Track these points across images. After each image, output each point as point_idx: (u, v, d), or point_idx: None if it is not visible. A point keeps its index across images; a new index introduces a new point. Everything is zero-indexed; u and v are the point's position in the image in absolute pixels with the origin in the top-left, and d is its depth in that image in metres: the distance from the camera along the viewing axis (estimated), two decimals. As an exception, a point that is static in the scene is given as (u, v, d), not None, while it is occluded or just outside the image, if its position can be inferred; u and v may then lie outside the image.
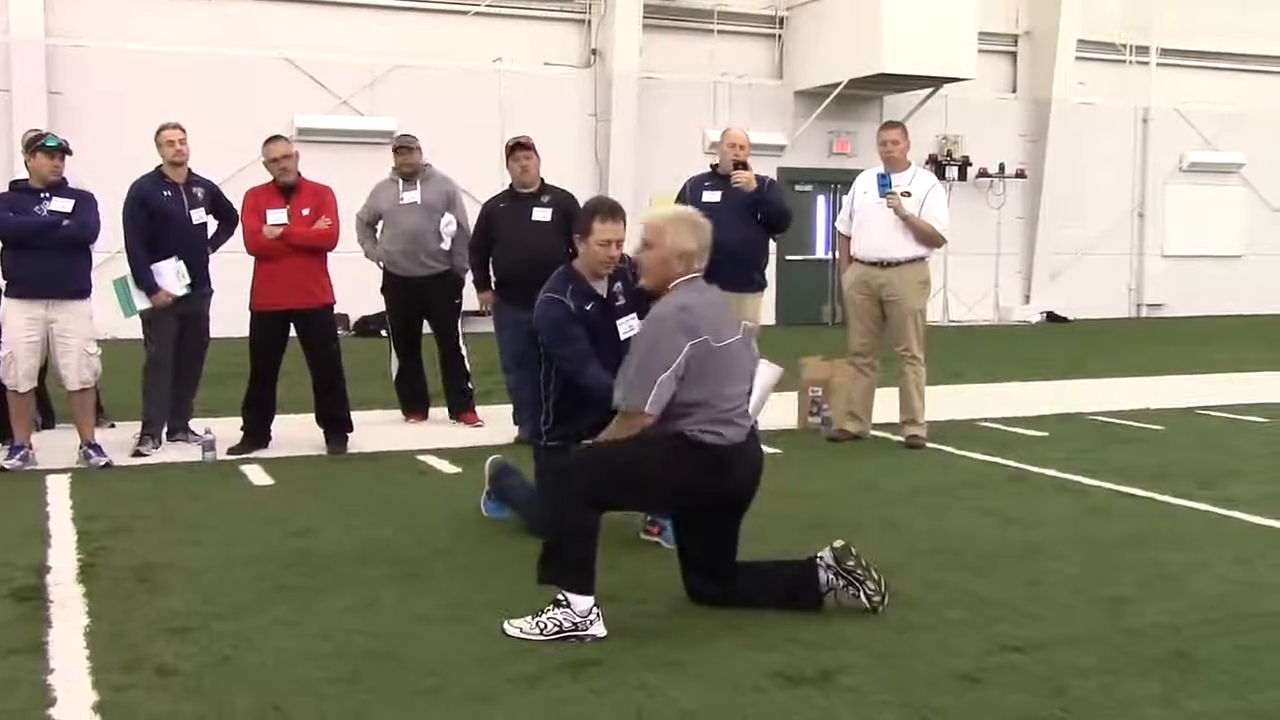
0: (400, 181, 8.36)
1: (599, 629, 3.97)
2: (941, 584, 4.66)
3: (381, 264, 8.54)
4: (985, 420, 8.76)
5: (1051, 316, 20.09)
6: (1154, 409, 9.34)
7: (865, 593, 4.23)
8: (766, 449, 4.61)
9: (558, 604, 3.98)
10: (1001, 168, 19.91)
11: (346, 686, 3.60)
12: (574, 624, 3.95)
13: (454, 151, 15.88)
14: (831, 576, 4.23)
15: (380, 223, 8.51)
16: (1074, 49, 20.07)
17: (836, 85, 18.07)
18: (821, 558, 4.26)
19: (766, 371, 4.38)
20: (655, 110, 17.62)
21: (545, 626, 3.95)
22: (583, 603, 3.96)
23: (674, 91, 17.81)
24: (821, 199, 19.30)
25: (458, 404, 8.56)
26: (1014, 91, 20.51)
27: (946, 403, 8.79)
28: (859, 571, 4.24)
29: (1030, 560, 5.03)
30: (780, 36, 18.98)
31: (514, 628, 4.00)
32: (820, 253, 19.19)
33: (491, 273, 7.70)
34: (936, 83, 18.20)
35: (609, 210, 5.05)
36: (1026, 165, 20.22)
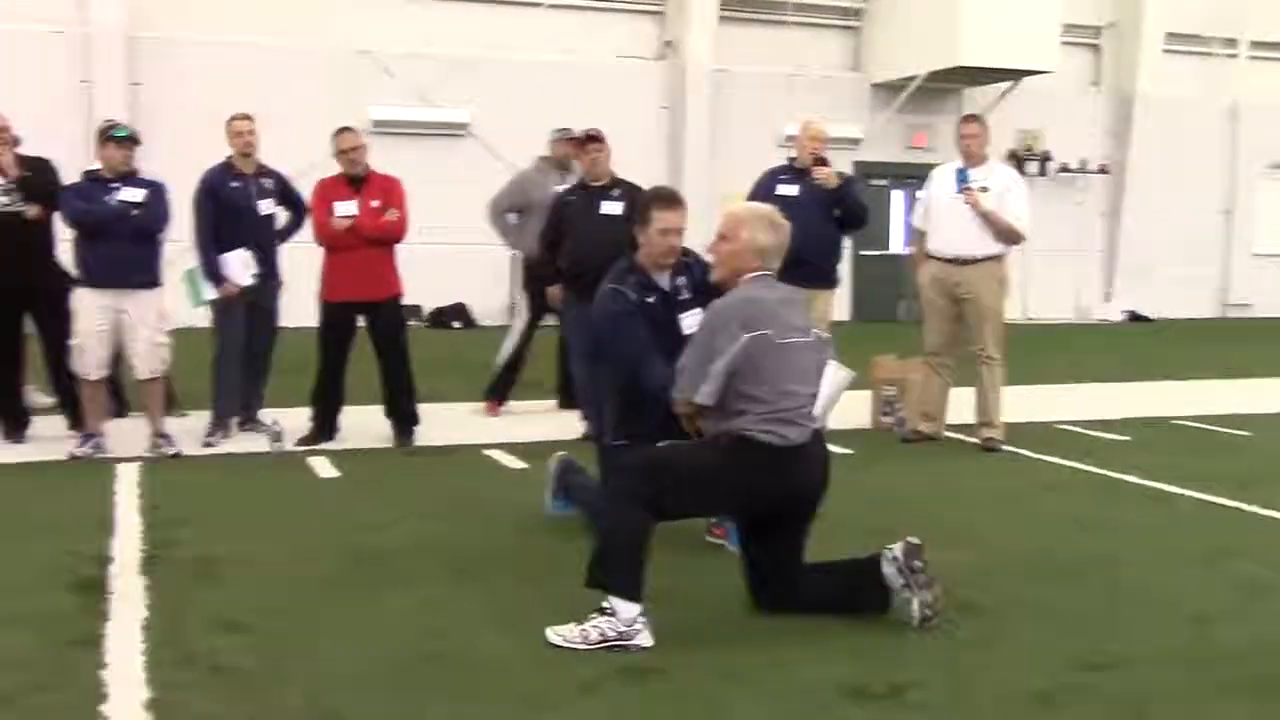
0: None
1: (645, 639, 3.85)
2: (1018, 595, 4.49)
3: (522, 255, 8.39)
4: (1065, 423, 8.51)
5: (1134, 316, 19.62)
6: (1242, 414, 9.02)
7: (919, 600, 4.05)
8: (838, 449, 4.49)
9: (603, 612, 3.87)
10: (1083, 163, 19.46)
11: (402, 689, 3.54)
12: (619, 633, 3.83)
13: (526, 143, 15.94)
14: (894, 572, 4.07)
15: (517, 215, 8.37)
16: (1161, 41, 19.56)
17: (914, 78, 17.77)
18: (890, 550, 4.10)
19: (836, 374, 4.25)
20: (729, 103, 17.44)
21: (589, 635, 3.85)
22: (629, 610, 3.85)
23: (748, 84, 17.60)
24: (898, 194, 18.99)
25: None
26: (1097, 85, 20.04)
27: (1024, 404, 8.54)
28: (920, 577, 4.07)
29: (1111, 572, 4.84)
30: (857, 28, 18.72)
31: (558, 635, 3.89)
32: (896, 249, 18.89)
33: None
34: (1017, 75, 17.83)
35: (667, 199, 4.93)
36: (1109, 161, 19.75)
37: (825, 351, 4.32)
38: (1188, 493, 6.31)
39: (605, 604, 3.87)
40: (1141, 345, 15.36)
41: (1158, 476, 6.66)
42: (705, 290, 4.73)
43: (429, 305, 15.95)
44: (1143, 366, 12.43)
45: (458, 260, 15.49)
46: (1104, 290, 20.11)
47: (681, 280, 4.96)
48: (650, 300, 4.91)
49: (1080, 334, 17.28)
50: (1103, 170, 19.71)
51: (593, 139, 7.36)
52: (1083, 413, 8.90)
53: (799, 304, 4.45)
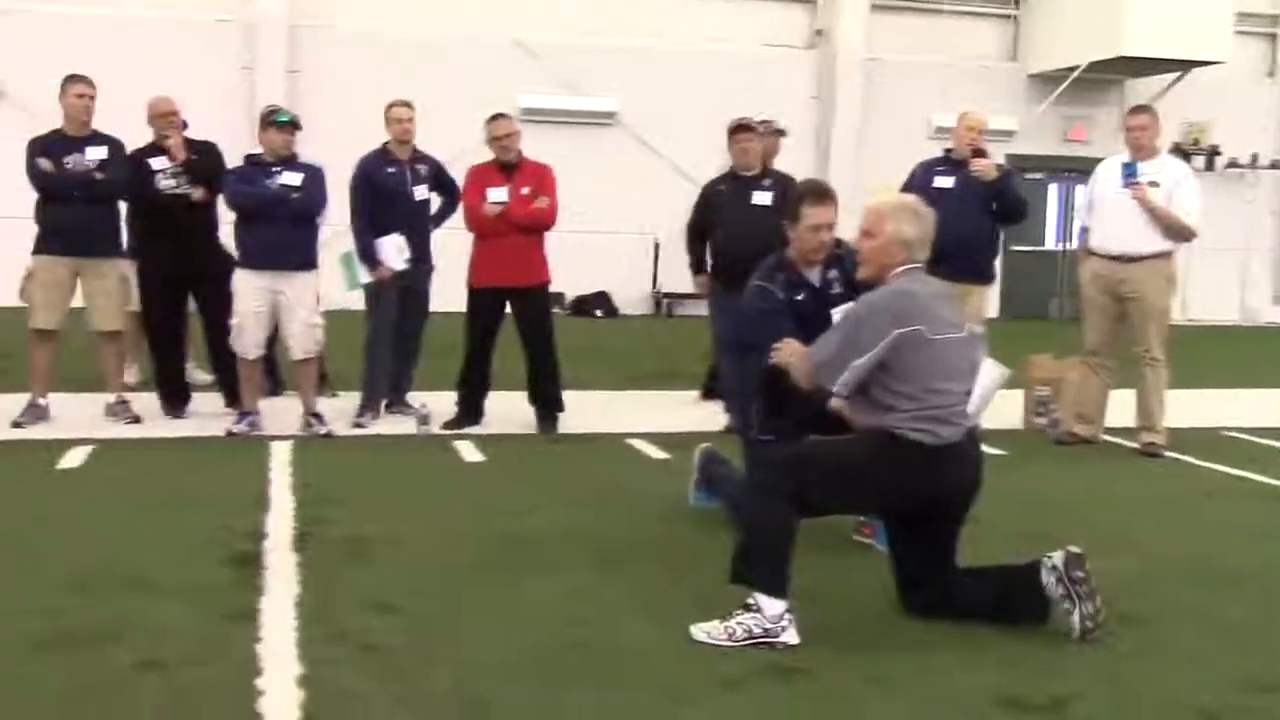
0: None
1: (791, 636, 3.77)
2: (1182, 608, 4.28)
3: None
4: (1230, 429, 8.13)
5: (1306, 320, 18.72)
6: None
7: (1081, 612, 3.87)
8: (990, 449, 4.34)
9: (747, 608, 3.81)
10: (1254, 158, 18.60)
11: (546, 676, 3.53)
12: (764, 630, 3.77)
13: (673, 132, 15.92)
14: (1053, 582, 3.91)
15: None
16: (1343, 30, 18.59)
17: (1074, 69, 17.19)
18: (1050, 558, 3.94)
19: (991, 372, 4.10)
20: (879, 93, 17.12)
21: (734, 632, 3.79)
22: (774, 607, 3.78)
23: (900, 74, 17.23)
24: (1053, 188, 18.43)
25: None
26: (1272, 75, 19.11)
27: (1187, 409, 8.17)
28: (1082, 588, 3.89)
29: (1278, 584, 4.58)
30: (1015, 16, 18.19)
31: (702, 632, 3.84)
32: (1048, 244, 18.35)
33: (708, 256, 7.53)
34: (1185, 66, 17.10)
35: (819, 194, 4.82)
36: (1283, 155, 18.83)
37: (978, 348, 4.18)
38: (1367, 506, 5.96)
39: (750, 600, 3.80)
40: (1312, 350, 14.63)
41: (1333, 488, 6.32)
42: (858, 282, 4.62)
43: (571, 293, 16.03)
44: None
45: (601, 249, 15.58)
46: (1274, 292, 19.20)
47: (833, 274, 4.85)
48: (799, 298, 4.82)
49: (1247, 337, 16.53)
50: (1275, 165, 18.80)
51: (744, 128, 7.27)
52: (1250, 419, 8.49)
53: (951, 299, 4.32)
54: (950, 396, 3.96)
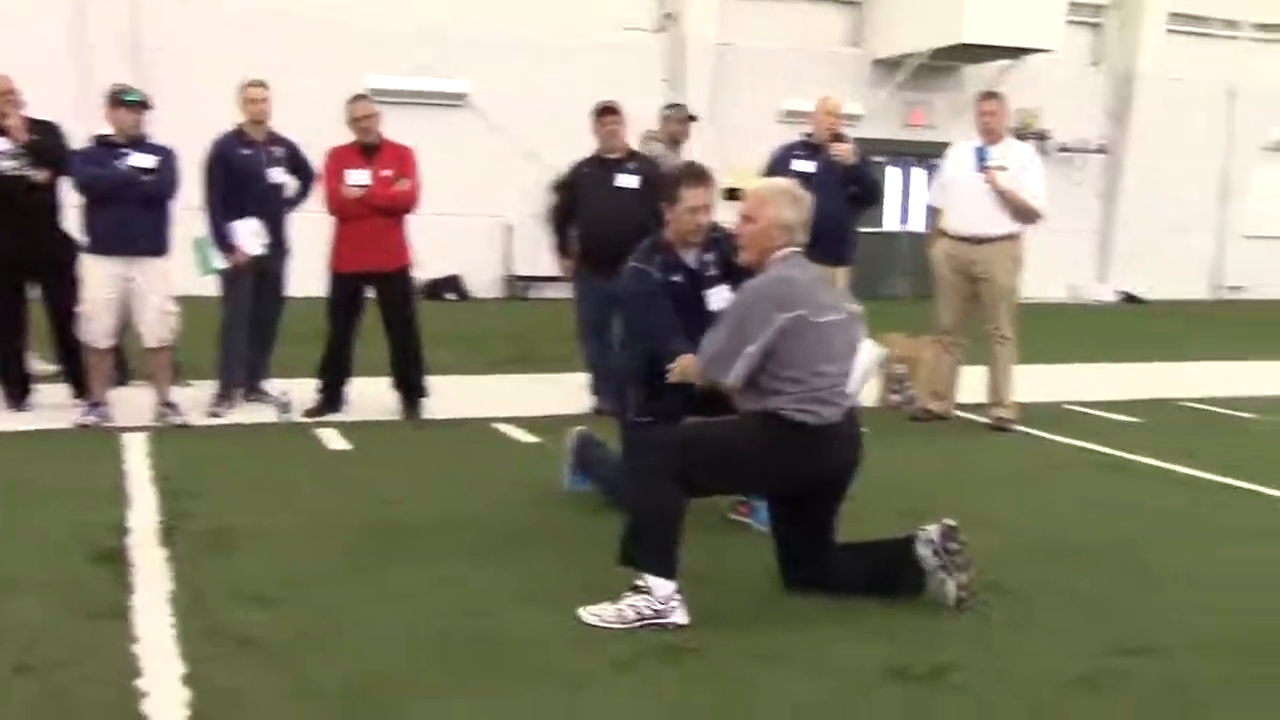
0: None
1: (680, 616, 3.82)
2: (1044, 579, 4.46)
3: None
4: (1072, 404, 8.50)
5: (1128, 297, 19.62)
6: (1243, 396, 9.01)
7: (956, 582, 4.02)
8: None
9: (637, 589, 3.84)
10: (1082, 143, 19.40)
11: (432, 665, 3.49)
12: (655, 611, 3.80)
13: (525, 115, 15.81)
14: (929, 554, 4.04)
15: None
16: (1164, 21, 19.49)
17: (916, 55, 17.67)
18: (925, 531, 4.06)
19: (870, 351, 4.20)
20: (729, 78, 17.31)
21: (625, 614, 3.81)
22: (664, 588, 3.82)
23: (749, 58, 17.47)
24: (893, 171, 18.91)
25: None
26: (1097, 64, 19.96)
27: (1030, 384, 8.49)
28: (959, 559, 4.04)
29: (1139, 555, 4.82)
30: (859, 4, 18.59)
31: (592, 615, 3.85)
32: (890, 226, 18.83)
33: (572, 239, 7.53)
34: (1018, 54, 17.74)
35: (696, 176, 4.85)
36: (1108, 141, 19.70)
37: (858, 328, 4.28)
38: (1206, 475, 6.29)
39: (640, 581, 3.83)
40: (1138, 326, 15.38)
41: (1173, 458, 6.65)
42: (733, 266, 4.68)
43: (423, 277, 15.78)
44: (1142, 348, 12.42)
45: (451, 232, 15.38)
46: (1097, 271, 20.10)
47: (709, 257, 4.89)
48: (675, 279, 4.85)
49: (1074, 314, 17.27)
50: (1101, 150, 19.66)
51: (610, 110, 7.28)
52: (1088, 394, 8.89)
53: (828, 282, 4.42)
54: (832, 378, 4.03)
